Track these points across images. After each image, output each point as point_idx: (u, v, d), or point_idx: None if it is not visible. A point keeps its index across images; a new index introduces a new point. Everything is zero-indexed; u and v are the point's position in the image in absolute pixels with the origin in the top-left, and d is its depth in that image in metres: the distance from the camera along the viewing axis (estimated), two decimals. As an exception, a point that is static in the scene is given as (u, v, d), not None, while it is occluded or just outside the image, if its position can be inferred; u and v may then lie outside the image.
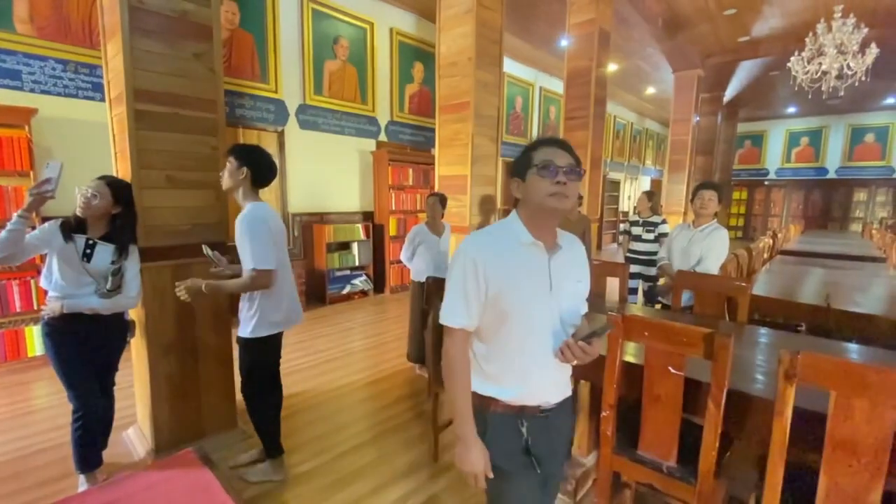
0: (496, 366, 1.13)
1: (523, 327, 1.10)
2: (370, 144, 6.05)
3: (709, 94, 10.23)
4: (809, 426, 1.24)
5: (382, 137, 6.19)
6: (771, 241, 5.91)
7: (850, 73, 6.19)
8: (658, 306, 3.61)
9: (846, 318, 2.71)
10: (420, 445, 2.42)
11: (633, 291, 4.38)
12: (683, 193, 9.05)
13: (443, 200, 3.58)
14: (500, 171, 8.76)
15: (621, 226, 13.16)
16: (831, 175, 14.20)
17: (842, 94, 6.99)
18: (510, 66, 8.34)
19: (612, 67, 8.32)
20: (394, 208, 5.98)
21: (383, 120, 6.18)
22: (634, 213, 4.72)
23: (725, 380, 1.31)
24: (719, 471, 1.44)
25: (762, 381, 1.52)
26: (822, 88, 6.56)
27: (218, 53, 2.24)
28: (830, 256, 5.43)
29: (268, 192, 5.10)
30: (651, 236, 4.33)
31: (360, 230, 5.80)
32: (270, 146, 5.04)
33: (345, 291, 5.68)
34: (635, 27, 6.87)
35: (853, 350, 1.94)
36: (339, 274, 5.70)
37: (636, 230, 4.48)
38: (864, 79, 6.24)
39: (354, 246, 5.82)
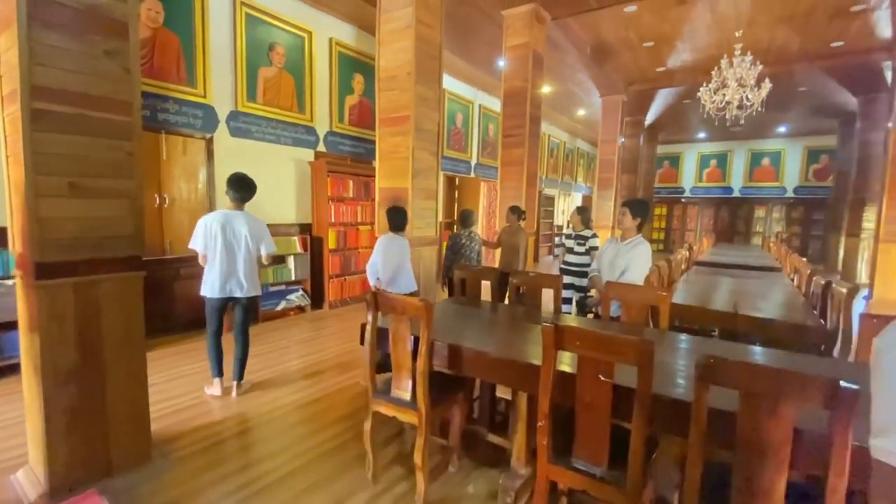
0: None
1: None
2: (308, 154, 5.87)
3: (632, 117, 11.10)
4: (724, 425, 1.34)
5: (321, 148, 6.03)
6: (687, 254, 6.45)
7: (748, 103, 7.00)
8: (591, 316, 3.79)
9: (752, 323, 3.01)
10: (359, 467, 2.33)
11: (568, 301, 4.57)
12: (611, 209, 9.67)
13: None
14: (441, 185, 8.86)
15: (556, 239, 13.81)
16: (736, 194, 15.90)
17: (742, 122, 7.89)
18: (450, 84, 8.52)
19: (546, 89, 8.78)
20: (333, 220, 5.82)
21: (322, 130, 6.04)
22: (569, 227, 4.96)
23: (650, 385, 1.39)
24: (646, 473, 1.51)
25: (683, 386, 1.63)
26: (726, 117, 7.36)
27: (135, 52, 2.06)
28: (737, 267, 6.03)
29: (194, 202, 4.77)
30: (582, 249, 4.56)
31: (296, 243, 5.58)
32: (197, 154, 4.73)
33: (279, 308, 5.41)
34: (567, 53, 7.32)
35: (758, 352, 2.14)
36: (273, 289, 5.42)
37: (569, 243, 4.70)
38: (760, 109, 7.08)
39: (290, 259, 5.57)
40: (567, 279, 4.53)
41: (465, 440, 2.44)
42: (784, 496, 1.24)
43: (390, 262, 3.37)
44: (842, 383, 1.12)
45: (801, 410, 1.21)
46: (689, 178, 16.73)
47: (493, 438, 2.42)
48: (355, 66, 6.41)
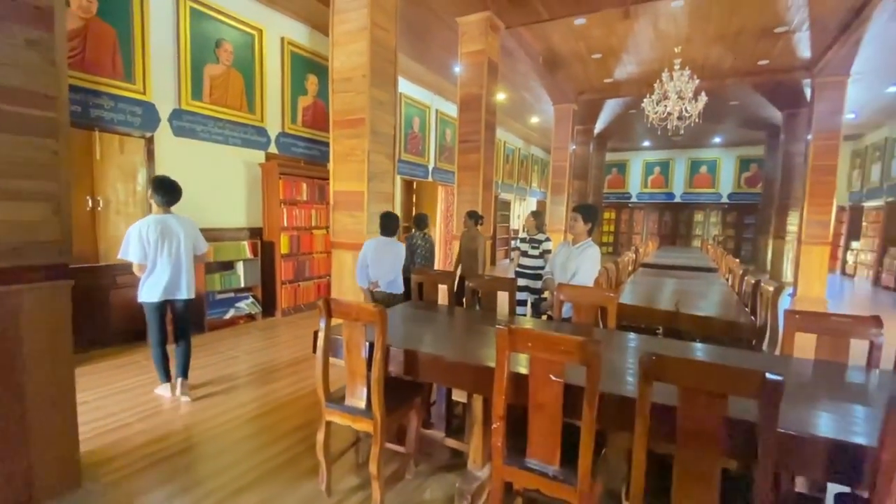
0: None
1: None
2: (259, 156, 5.66)
3: (582, 126, 11.54)
4: (667, 419, 1.41)
5: (273, 149, 5.84)
6: (634, 256, 6.78)
7: (687, 115, 7.47)
8: (545, 317, 3.88)
9: (692, 321, 3.20)
10: (311, 480, 2.25)
11: (523, 304, 4.67)
12: (564, 213, 9.99)
13: None
14: (399, 189, 8.80)
15: (513, 242, 14.11)
16: (677, 199, 16.92)
17: (682, 132, 8.41)
18: (407, 88, 8.51)
19: (500, 96, 8.96)
20: (286, 224, 5.63)
21: (274, 131, 5.85)
22: (524, 231, 5.09)
23: (598, 383, 1.44)
24: (596, 468, 1.57)
25: (631, 383, 1.70)
26: (668, 127, 7.82)
27: (61, 43, 1.91)
28: (679, 268, 6.40)
29: (131, 206, 4.47)
30: (536, 252, 4.68)
31: (246, 248, 5.35)
32: (136, 153, 4.44)
33: (228, 316, 5.16)
34: (520, 62, 7.51)
35: (697, 348, 2.28)
36: (220, 297, 5.17)
37: (524, 247, 4.81)
38: (697, 121, 7.58)
39: (239, 265, 5.34)
40: (522, 282, 4.63)
41: (422, 446, 2.43)
42: (720, 482, 1.32)
43: (390, 265, 3.57)
44: (768, 375, 1.21)
45: (734, 401, 1.29)
46: (635, 184, 17.63)
47: (450, 442, 2.43)
48: (309, 67, 6.27)
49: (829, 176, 7.91)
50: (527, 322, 2.93)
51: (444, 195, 10.19)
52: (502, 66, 6.64)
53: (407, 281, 4.57)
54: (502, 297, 3.09)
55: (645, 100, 7.72)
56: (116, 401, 3.12)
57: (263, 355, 4.23)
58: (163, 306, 3.13)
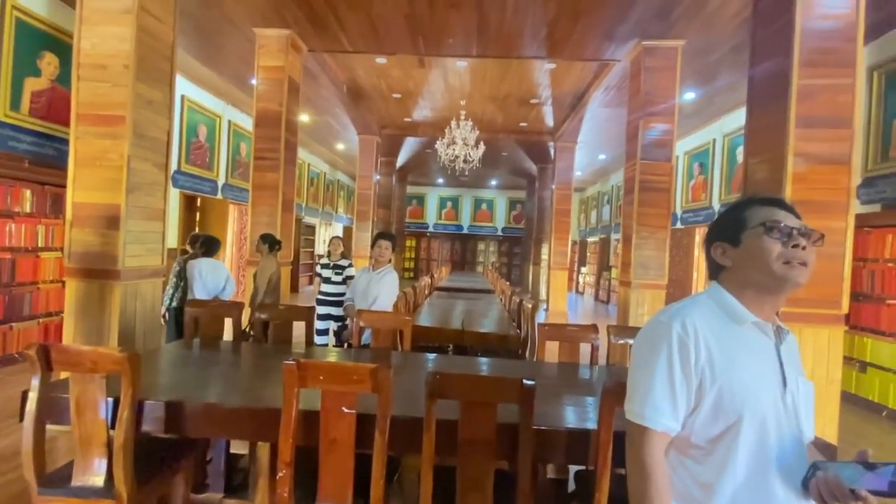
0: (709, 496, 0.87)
1: (754, 439, 0.85)
2: (-57, 148, 4.02)
3: (385, 158, 12.15)
4: (451, 433, 1.52)
5: (-29, 141, 4.23)
6: (430, 280, 7.36)
7: (471, 159, 8.66)
8: (346, 345, 3.81)
9: (476, 337, 3.62)
10: None
11: (326, 333, 4.49)
12: (369, 240, 10.21)
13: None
14: (178, 205, 7.54)
15: (317, 268, 13.61)
16: (465, 231, 19.40)
17: (467, 173, 9.70)
18: (193, 92, 7.47)
19: (304, 118, 8.71)
20: (-11, 245, 4.10)
21: (-26, 116, 4.26)
22: (327, 256, 4.95)
23: (389, 409, 1.45)
24: (390, 494, 1.56)
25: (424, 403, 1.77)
26: (456, 168, 8.90)
27: None
28: (466, 290, 7.24)
29: None
30: (340, 278, 4.61)
31: None
32: None
33: None
34: (325, 87, 7.47)
35: (480, 362, 2.55)
36: None
37: (326, 273, 4.68)
38: (478, 165, 8.86)
39: None
40: (324, 309, 4.47)
41: (192, 514, 2.01)
42: (493, 482, 1.48)
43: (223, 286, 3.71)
44: (524, 381, 1.43)
45: (503, 408, 1.48)
46: (432, 215, 19.47)
47: (230, 503, 2.08)
48: (45, 42, 4.85)
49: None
50: (330, 353, 2.81)
51: (238, 215, 9.17)
52: (306, 87, 6.47)
53: (179, 313, 3.93)
54: (298, 329, 2.89)
55: (438, 142, 8.63)
56: None
57: (-69, 434, 2.89)
58: None
